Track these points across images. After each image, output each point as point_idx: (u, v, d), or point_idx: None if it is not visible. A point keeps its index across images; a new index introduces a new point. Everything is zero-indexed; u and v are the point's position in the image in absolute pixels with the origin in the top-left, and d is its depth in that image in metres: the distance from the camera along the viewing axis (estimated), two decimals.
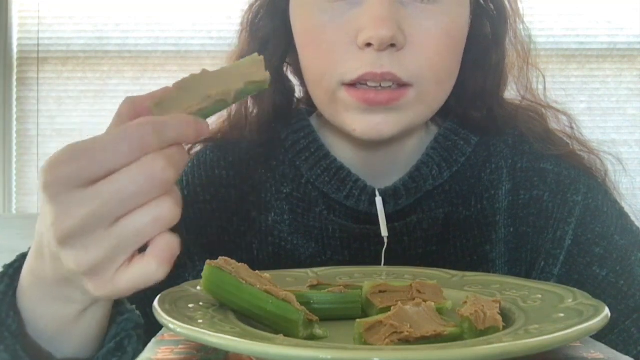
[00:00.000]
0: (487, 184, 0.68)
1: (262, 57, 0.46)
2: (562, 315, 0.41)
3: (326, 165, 0.67)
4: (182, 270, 0.67)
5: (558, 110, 0.72)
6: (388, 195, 0.65)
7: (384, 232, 0.64)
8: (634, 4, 2.31)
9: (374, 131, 0.60)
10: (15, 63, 2.33)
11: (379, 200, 0.64)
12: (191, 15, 2.27)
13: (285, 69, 0.72)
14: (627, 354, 0.42)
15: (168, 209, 0.39)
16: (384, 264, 0.64)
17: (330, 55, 0.59)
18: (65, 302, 0.46)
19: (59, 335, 0.49)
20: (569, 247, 0.66)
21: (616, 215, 0.68)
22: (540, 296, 0.47)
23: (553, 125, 0.72)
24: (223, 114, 0.73)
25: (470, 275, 0.56)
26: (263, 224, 0.68)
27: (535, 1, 2.15)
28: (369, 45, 0.57)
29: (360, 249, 0.65)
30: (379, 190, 0.65)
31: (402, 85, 0.59)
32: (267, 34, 0.68)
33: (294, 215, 0.67)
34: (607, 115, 2.34)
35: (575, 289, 0.47)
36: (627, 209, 0.70)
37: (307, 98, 0.73)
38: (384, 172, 0.68)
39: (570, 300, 0.44)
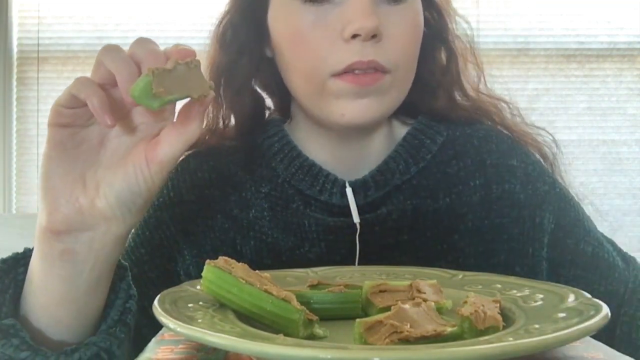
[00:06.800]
0: (455, 179, 0.73)
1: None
2: (562, 315, 0.41)
3: (299, 164, 0.72)
4: (174, 264, 0.72)
5: (500, 99, 0.79)
6: (358, 187, 0.71)
7: (356, 218, 0.69)
8: (634, 4, 2.31)
9: (361, 115, 0.65)
10: (15, 63, 2.33)
11: (349, 190, 0.70)
12: (191, 15, 2.27)
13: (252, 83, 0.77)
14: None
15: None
16: (359, 253, 0.68)
17: (318, 52, 0.65)
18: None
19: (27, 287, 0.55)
20: (553, 231, 0.72)
21: (575, 201, 0.76)
22: (540, 296, 0.47)
23: (506, 115, 0.79)
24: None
25: (471, 275, 0.56)
26: (244, 220, 0.72)
27: (535, 1, 2.15)
28: (354, 36, 0.63)
29: (335, 240, 0.70)
30: (349, 182, 0.71)
31: (381, 71, 0.65)
32: (239, 47, 0.74)
33: (274, 212, 0.72)
34: (607, 115, 2.34)
35: (576, 289, 0.47)
36: (626, 208, 0.72)
37: (279, 109, 0.79)
38: (354, 167, 0.73)
39: (570, 300, 0.45)
